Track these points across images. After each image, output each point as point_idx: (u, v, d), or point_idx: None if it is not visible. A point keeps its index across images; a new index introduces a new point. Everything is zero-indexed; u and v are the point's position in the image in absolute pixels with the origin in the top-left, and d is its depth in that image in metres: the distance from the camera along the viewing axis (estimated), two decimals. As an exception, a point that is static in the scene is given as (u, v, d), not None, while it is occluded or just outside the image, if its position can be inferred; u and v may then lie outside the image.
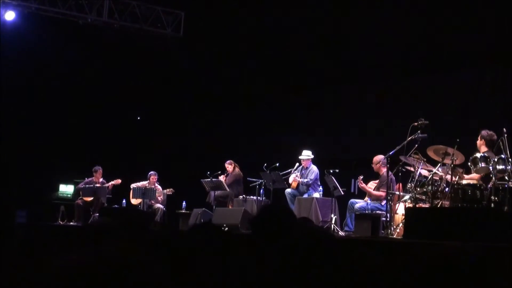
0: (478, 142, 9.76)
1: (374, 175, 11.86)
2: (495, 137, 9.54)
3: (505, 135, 9.07)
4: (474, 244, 6.25)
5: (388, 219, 10.12)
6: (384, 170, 11.33)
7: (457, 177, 9.37)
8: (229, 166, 14.46)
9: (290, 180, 13.14)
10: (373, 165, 11.68)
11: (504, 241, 6.88)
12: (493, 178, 8.77)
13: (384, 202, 10.83)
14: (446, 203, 9.26)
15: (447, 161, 9.56)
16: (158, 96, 17.94)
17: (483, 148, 9.59)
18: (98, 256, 1.34)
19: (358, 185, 11.82)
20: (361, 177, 11.70)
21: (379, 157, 11.50)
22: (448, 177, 9.34)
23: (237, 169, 14.45)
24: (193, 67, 17.00)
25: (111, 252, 1.35)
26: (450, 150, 9.53)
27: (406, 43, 13.48)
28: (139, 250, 1.37)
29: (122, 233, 3.30)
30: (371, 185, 11.75)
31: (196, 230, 2.99)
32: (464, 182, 9.27)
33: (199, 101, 17.86)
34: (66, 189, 16.45)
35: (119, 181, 15.13)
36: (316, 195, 12.75)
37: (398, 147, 10.24)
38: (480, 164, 9.16)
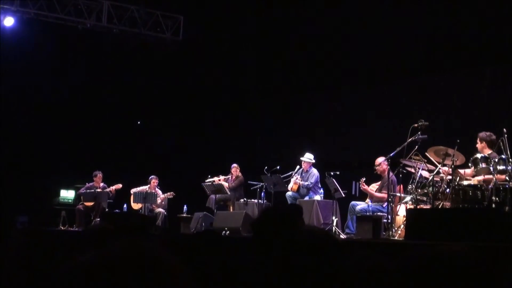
0: (479, 145, 9.69)
1: (375, 177, 11.84)
2: (494, 136, 9.53)
3: (505, 135, 9.05)
4: (476, 245, 6.25)
5: (389, 221, 10.10)
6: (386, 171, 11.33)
7: (458, 177, 9.36)
8: (236, 169, 14.48)
9: (291, 183, 13.13)
10: (376, 167, 11.63)
11: (506, 241, 6.87)
12: (494, 178, 8.76)
13: (385, 204, 10.83)
14: (447, 204, 9.25)
15: (448, 162, 9.56)
16: (158, 100, 17.94)
17: (487, 150, 9.55)
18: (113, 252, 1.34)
19: (360, 187, 11.79)
20: (364, 179, 11.67)
21: (382, 159, 11.48)
22: (449, 178, 9.34)
23: (240, 174, 14.47)
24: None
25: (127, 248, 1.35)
26: (450, 151, 9.52)
27: (406, 43, 13.49)
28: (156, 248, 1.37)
29: (123, 238, 3.30)
30: (373, 187, 11.74)
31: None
32: (465, 182, 9.26)
33: (199, 105, 17.86)
34: (67, 194, 16.44)
35: (120, 185, 15.12)
36: (317, 197, 12.74)
37: (398, 149, 10.24)
38: (480, 165, 9.15)
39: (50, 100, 16.67)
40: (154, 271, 1.31)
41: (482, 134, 9.70)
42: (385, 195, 10.98)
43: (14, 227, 13.42)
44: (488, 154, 9.31)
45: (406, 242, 8.46)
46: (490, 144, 9.57)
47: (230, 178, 14.48)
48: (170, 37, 16.91)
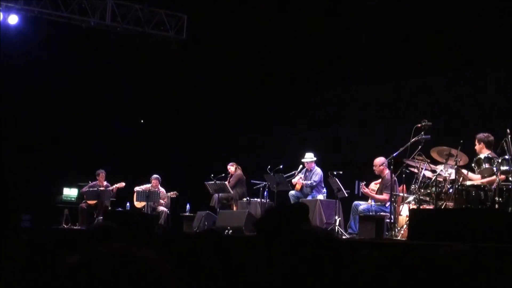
0: (478, 146, 9.71)
1: (377, 177, 11.83)
2: (492, 137, 9.55)
3: (509, 135, 9.05)
4: (478, 245, 6.25)
5: (392, 221, 10.10)
6: (386, 171, 11.31)
7: (461, 178, 9.36)
8: (231, 167, 14.42)
9: (294, 182, 13.13)
10: (374, 168, 11.65)
11: (508, 242, 6.87)
12: (497, 179, 8.76)
13: (388, 204, 10.82)
14: (450, 204, 9.25)
15: (451, 162, 9.56)
16: (161, 99, 17.95)
17: (485, 151, 9.56)
18: (103, 253, 1.34)
19: (361, 190, 11.79)
20: (364, 182, 11.68)
21: (381, 159, 11.48)
22: (452, 178, 9.34)
23: (239, 170, 14.42)
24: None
25: (116, 249, 1.35)
26: (453, 151, 9.52)
27: (409, 43, 13.47)
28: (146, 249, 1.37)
29: (126, 236, 3.31)
30: (373, 186, 11.73)
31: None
32: (468, 183, 9.25)
33: (202, 103, 17.87)
34: (70, 192, 16.45)
35: (123, 184, 15.14)
36: (320, 197, 12.74)
37: (401, 149, 10.23)
38: (484, 165, 9.15)
39: (53, 98, 16.68)
40: (140, 275, 1.32)
41: (480, 135, 9.72)
42: (386, 197, 10.98)
43: (19, 226, 13.44)
44: (487, 154, 9.32)
45: (409, 242, 8.46)
46: (488, 145, 9.58)
47: (228, 177, 14.45)
48: (173, 36, 16.91)
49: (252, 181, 13.95)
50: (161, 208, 14.92)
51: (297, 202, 11.96)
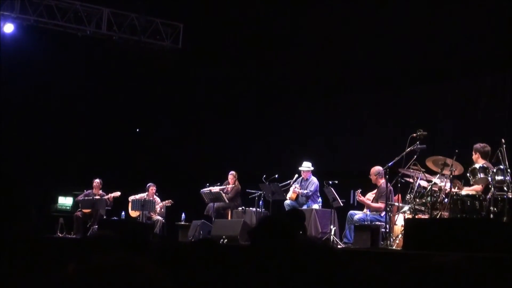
0: (474, 156, 9.79)
1: (373, 187, 11.84)
2: (488, 147, 9.60)
3: (504, 145, 9.07)
4: (474, 255, 6.26)
5: (387, 230, 10.10)
6: (381, 181, 11.32)
7: (456, 188, 9.38)
8: (232, 177, 14.42)
9: (290, 192, 13.10)
10: (370, 177, 11.67)
11: (504, 252, 6.88)
12: (492, 188, 8.77)
13: (383, 214, 10.82)
14: (445, 214, 9.26)
15: (446, 172, 9.57)
16: (157, 107, 17.95)
17: (480, 161, 9.60)
18: (97, 264, 1.34)
19: (356, 198, 11.79)
20: (359, 190, 11.68)
21: (377, 168, 11.49)
22: (448, 187, 9.35)
23: (237, 182, 14.42)
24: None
25: (110, 260, 1.35)
26: (449, 161, 9.54)
27: (405, 53, 13.50)
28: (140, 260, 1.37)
29: (121, 245, 3.31)
30: (369, 197, 11.73)
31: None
32: (463, 193, 9.26)
33: (198, 112, 17.87)
34: (65, 201, 16.40)
35: (118, 193, 15.10)
36: (315, 206, 12.73)
37: (397, 158, 10.25)
38: (479, 175, 9.17)
39: (49, 106, 16.67)
40: (137, 285, 1.32)
41: (477, 145, 9.80)
42: (381, 205, 10.99)
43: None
44: (482, 164, 9.35)
45: (404, 252, 8.46)
46: (484, 155, 9.63)
47: (226, 186, 14.41)
48: (169, 45, 16.92)
49: (247, 190, 13.95)
50: (156, 217, 14.89)
51: (293, 209, 11.93)
